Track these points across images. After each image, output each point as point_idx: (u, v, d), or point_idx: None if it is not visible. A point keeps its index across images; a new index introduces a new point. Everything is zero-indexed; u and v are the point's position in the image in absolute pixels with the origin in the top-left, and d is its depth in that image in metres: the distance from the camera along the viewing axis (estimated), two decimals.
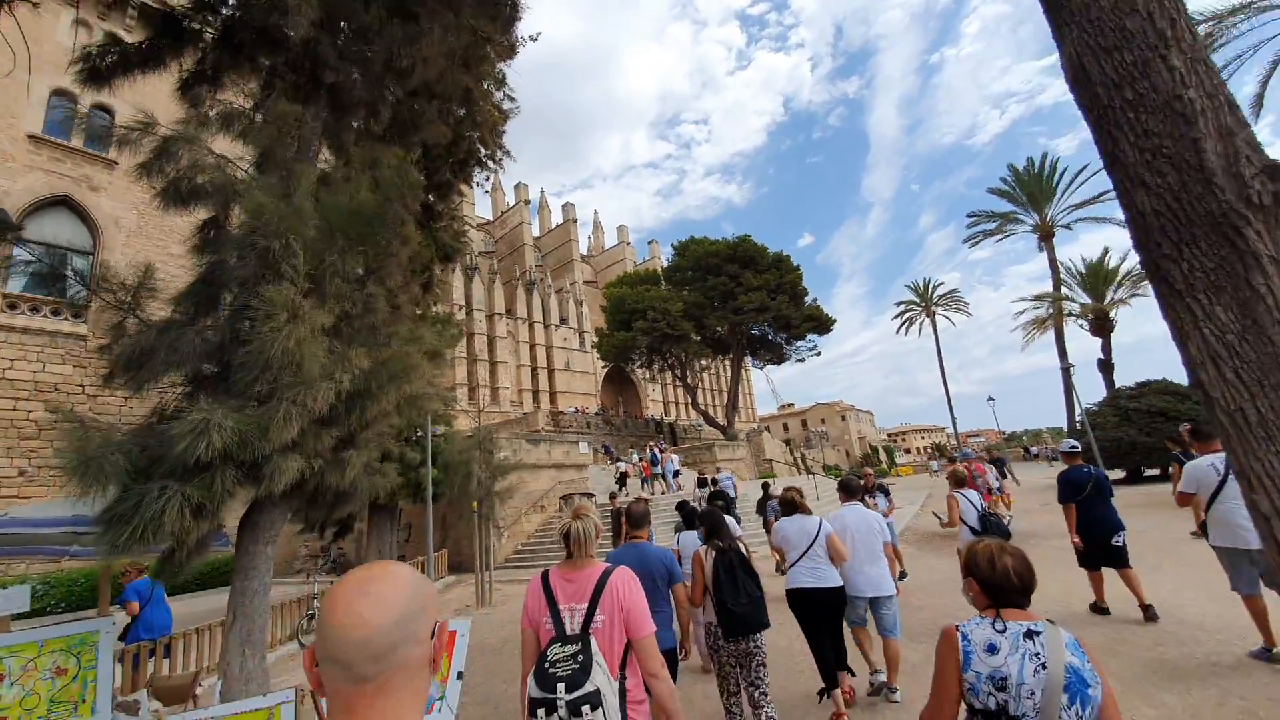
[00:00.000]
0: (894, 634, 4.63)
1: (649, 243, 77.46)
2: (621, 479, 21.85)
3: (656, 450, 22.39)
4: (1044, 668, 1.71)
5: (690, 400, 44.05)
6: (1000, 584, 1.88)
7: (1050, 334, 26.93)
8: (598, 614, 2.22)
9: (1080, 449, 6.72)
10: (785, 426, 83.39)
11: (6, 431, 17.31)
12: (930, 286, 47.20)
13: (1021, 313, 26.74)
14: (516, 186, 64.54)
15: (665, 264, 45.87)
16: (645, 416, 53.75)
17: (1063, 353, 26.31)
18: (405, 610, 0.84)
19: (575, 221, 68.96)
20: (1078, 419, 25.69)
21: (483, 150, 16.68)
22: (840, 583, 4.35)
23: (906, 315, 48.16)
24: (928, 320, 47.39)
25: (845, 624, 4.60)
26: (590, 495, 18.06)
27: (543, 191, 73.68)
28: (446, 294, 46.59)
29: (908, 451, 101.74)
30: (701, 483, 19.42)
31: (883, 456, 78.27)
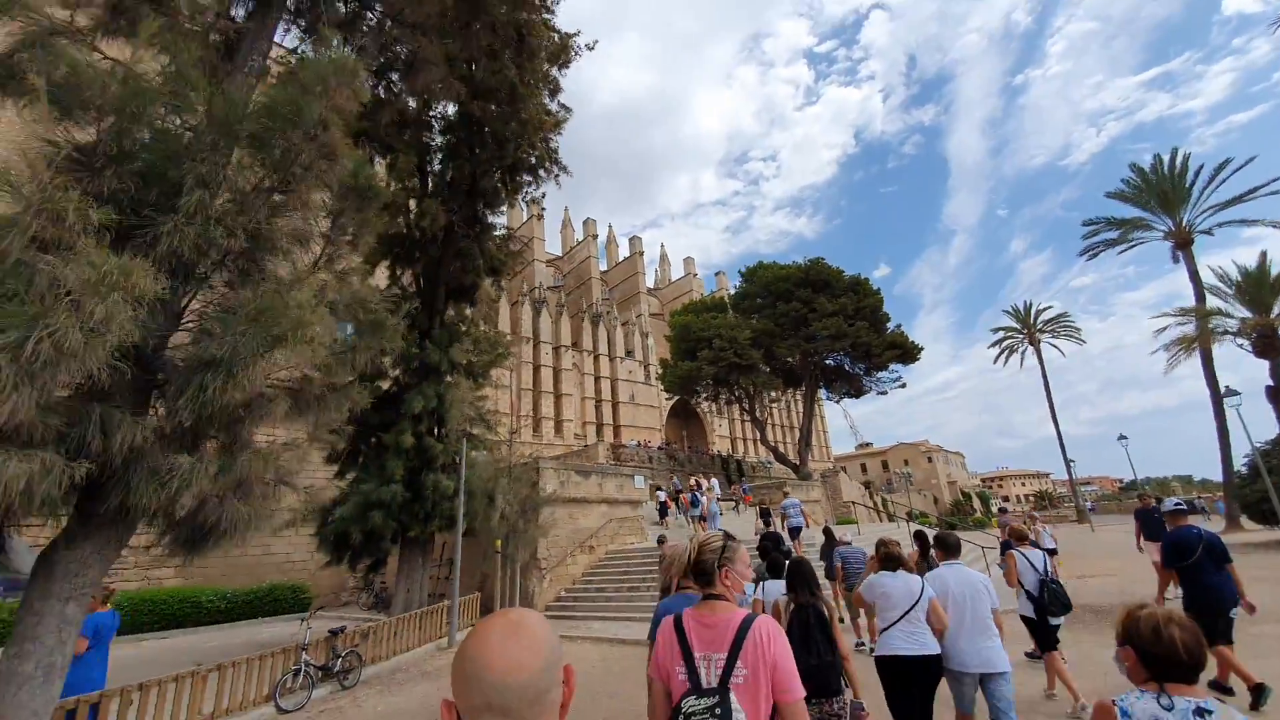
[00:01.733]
0: (1010, 716, 4.00)
1: (716, 274, 75.81)
2: (662, 510, 20.90)
3: (698, 492, 20.13)
4: None
5: (759, 436, 41.24)
6: (1166, 656, 1.69)
7: (1184, 366, 22.58)
8: (738, 666, 1.85)
9: (1187, 507, 5.96)
10: (864, 468, 77.59)
11: None
12: (1034, 311, 42.37)
13: (1163, 329, 22.19)
14: (585, 222, 65.38)
15: (732, 293, 44.03)
16: (711, 452, 51.19)
17: (1212, 378, 21.89)
18: (551, 654, 0.86)
19: (642, 255, 68.78)
20: (1242, 461, 21.07)
21: (532, 156, 16.01)
22: (939, 650, 3.91)
23: (1006, 343, 43.37)
24: (1030, 349, 42.42)
25: (955, 706, 4.12)
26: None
27: (610, 227, 74.00)
28: (516, 326, 47.04)
29: (1006, 499, 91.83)
30: (763, 514, 17.23)
31: (977, 504, 70.89)
